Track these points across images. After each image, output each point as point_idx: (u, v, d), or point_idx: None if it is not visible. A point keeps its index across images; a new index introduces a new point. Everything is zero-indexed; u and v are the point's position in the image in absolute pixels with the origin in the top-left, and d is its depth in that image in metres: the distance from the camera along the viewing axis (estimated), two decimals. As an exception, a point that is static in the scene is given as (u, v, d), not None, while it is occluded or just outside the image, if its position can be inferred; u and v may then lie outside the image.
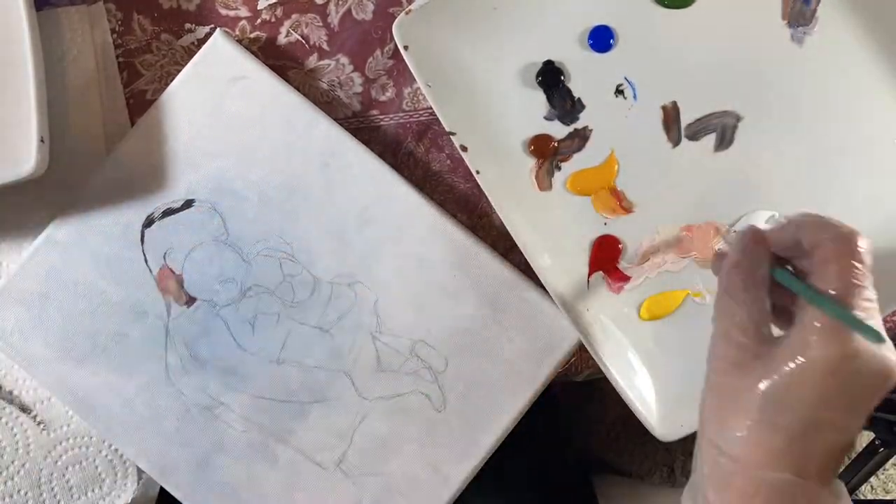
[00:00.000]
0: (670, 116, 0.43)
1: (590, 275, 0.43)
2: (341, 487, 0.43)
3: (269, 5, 0.45)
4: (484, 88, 0.43)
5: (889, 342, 0.27)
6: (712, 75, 0.43)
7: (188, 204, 0.44)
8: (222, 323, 0.43)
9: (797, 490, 0.28)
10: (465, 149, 0.42)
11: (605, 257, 0.43)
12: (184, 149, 0.43)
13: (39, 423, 0.45)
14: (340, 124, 0.44)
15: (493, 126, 0.43)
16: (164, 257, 0.44)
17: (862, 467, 0.56)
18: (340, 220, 0.43)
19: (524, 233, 0.42)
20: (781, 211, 0.43)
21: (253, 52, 0.44)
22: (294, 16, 0.45)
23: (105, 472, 0.45)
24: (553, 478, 0.64)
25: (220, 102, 0.43)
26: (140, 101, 0.45)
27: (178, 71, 0.44)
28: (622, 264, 0.44)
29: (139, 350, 0.43)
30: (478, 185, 0.42)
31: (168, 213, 0.44)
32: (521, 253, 0.42)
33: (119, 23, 0.45)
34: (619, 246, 0.43)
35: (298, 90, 0.44)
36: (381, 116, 0.45)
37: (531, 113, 0.44)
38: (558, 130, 0.44)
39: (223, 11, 0.45)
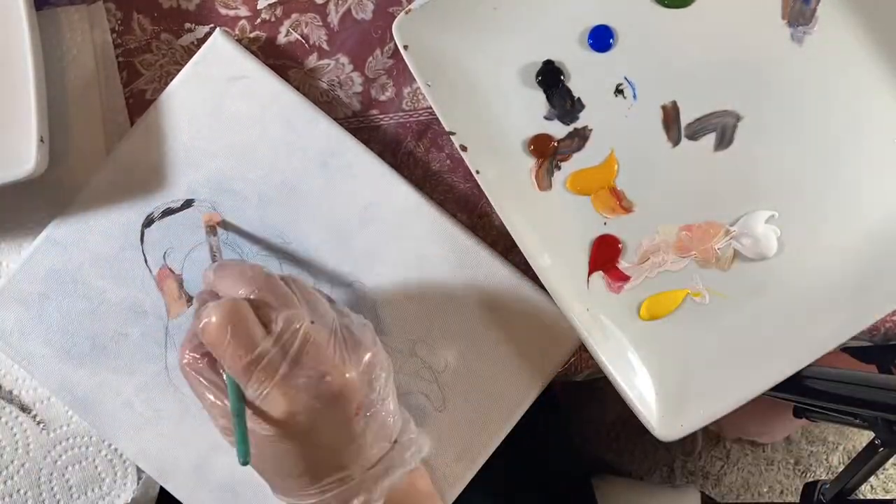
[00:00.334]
0: (670, 116, 0.43)
1: (590, 275, 0.43)
2: None
3: (269, 5, 0.45)
4: (484, 88, 0.43)
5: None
6: (712, 75, 0.43)
7: (188, 204, 0.44)
8: None
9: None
10: (464, 148, 0.42)
11: (605, 257, 0.43)
12: (184, 148, 0.43)
13: (39, 423, 0.45)
14: (340, 124, 0.44)
15: (493, 126, 0.43)
16: (164, 257, 0.44)
17: (862, 467, 0.56)
18: (340, 219, 0.43)
19: (524, 233, 0.42)
20: (781, 211, 0.43)
21: (253, 52, 0.44)
22: (294, 15, 0.45)
23: (105, 471, 0.45)
24: (553, 478, 0.64)
25: (219, 102, 0.43)
26: (140, 100, 0.45)
27: (178, 70, 0.44)
28: (622, 264, 0.44)
29: (139, 350, 0.43)
30: (478, 185, 0.42)
31: (168, 212, 0.44)
32: (521, 253, 0.42)
33: (119, 22, 0.45)
34: (619, 246, 0.43)
35: (298, 90, 0.44)
36: (380, 116, 0.45)
37: (531, 113, 0.44)
38: (558, 130, 0.44)
39: (223, 11, 0.45)
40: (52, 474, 0.45)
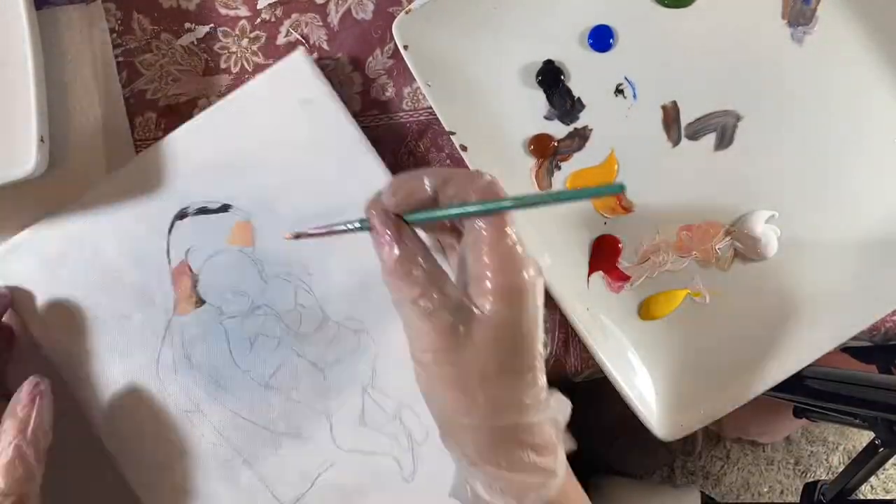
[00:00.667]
0: (670, 116, 0.43)
1: (590, 275, 0.43)
2: None
3: (269, 5, 0.45)
4: (484, 88, 0.43)
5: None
6: (712, 75, 0.43)
7: (225, 208, 0.43)
8: (223, 332, 0.43)
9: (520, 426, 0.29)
10: (465, 148, 0.42)
11: (605, 257, 0.43)
12: (237, 153, 0.43)
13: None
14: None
15: (493, 126, 0.43)
16: (186, 253, 0.43)
17: (862, 467, 0.56)
18: (367, 269, 0.43)
19: (524, 233, 0.42)
20: (781, 211, 0.43)
21: (253, 52, 0.45)
22: (294, 15, 0.45)
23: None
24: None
25: (284, 120, 0.43)
26: (140, 100, 0.45)
27: (179, 70, 0.44)
28: (622, 264, 0.44)
29: (137, 335, 0.43)
30: (478, 185, 0.42)
31: (203, 211, 0.43)
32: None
33: (119, 22, 0.45)
34: (619, 246, 0.43)
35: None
36: (380, 116, 0.45)
37: (531, 112, 0.44)
38: (558, 130, 0.44)
39: (223, 11, 0.45)
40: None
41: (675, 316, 0.43)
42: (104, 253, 0.43)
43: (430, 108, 0.43)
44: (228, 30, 0.45)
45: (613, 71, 0.43)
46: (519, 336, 0.29)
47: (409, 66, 0.41)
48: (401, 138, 0.45)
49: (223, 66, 0.45)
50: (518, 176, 0.43)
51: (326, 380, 0.43)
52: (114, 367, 0.43)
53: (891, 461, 0.55)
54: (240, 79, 0.45)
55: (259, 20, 0.45)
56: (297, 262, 0.43)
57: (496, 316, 0.28)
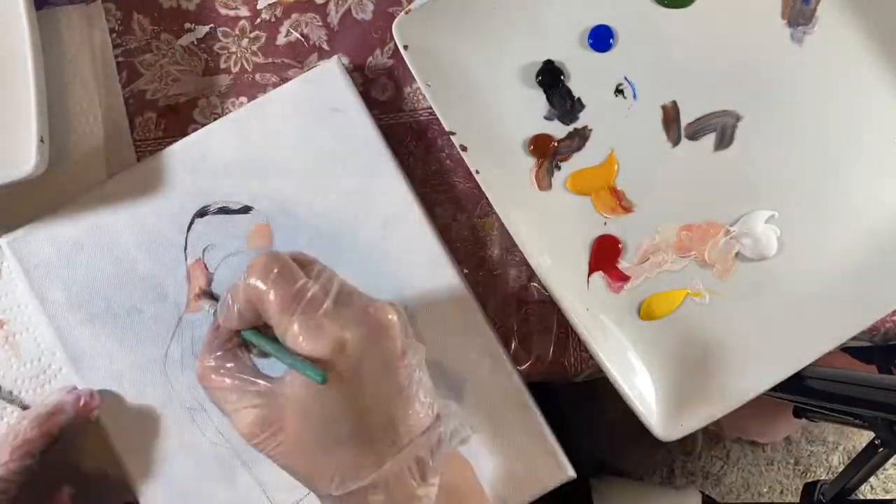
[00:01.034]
0: (670, 116, 0.43)
1: (590, 275, 0.43)
2: None
3: (269, 5, 0.45)
4: (484, 88, 0.43)
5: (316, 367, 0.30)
6: (712, 75, 0.43)
7: (245, 209, 0.43)
8: None
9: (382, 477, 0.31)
10: (464, 149, 0.42)
11: (605, 257, 0.43)
12: (263, 156, 0.43)
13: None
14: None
15: (493, 126, 0.43)
16: (203, 251, 0.43)
17: (862, 467, 0.56)
18: (380, 281, 0.43)
19: (524, 233, 0.42)
20: (781, 211, 0.43)
21: (253, 52, 0.45)
22: (294, 15, 0.45)
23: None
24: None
25: (313, 127, 0.43)
26: (140, 100, 0.45)
27: (178, 70, 0.44)
28: (622, 264, 0.44)
29: (147, 329, 0.43)
30: (478, 185, 0.42)
31: (224, 210, 0.43)
32: (521, 252, 0.42)
33: (119, 22, 0.45)
34: (619, 246, 0.43)
35: (299, 90, 0.44)
36: (381, 116, 0.45)
37: (531, 113, 0.44)
38: (558, 130, 0.44)
39: (223, 11, 0.45)
40: (51, 474, 0.45)
41: (675, 316, 0.43)
42: (121, 244, 0.43)
43: (430, 108, 0.43)
44: (228, 30, 0.45)
45: (613, 71, 0.43)
46: (328, 407, 0.31)
47: (409, 66, 0.41)
48: (401, 138, 0.45)
49: (223, 66, 0.45)
50: (518, 176, 0.43)
51: None
52: (122, 360, 0.43)
53: (891, 461, 0.54)
54: (240, 79, 0.45)
55: (259, 20, 0.45)
56: None
57: (296, 395, 0.31)
